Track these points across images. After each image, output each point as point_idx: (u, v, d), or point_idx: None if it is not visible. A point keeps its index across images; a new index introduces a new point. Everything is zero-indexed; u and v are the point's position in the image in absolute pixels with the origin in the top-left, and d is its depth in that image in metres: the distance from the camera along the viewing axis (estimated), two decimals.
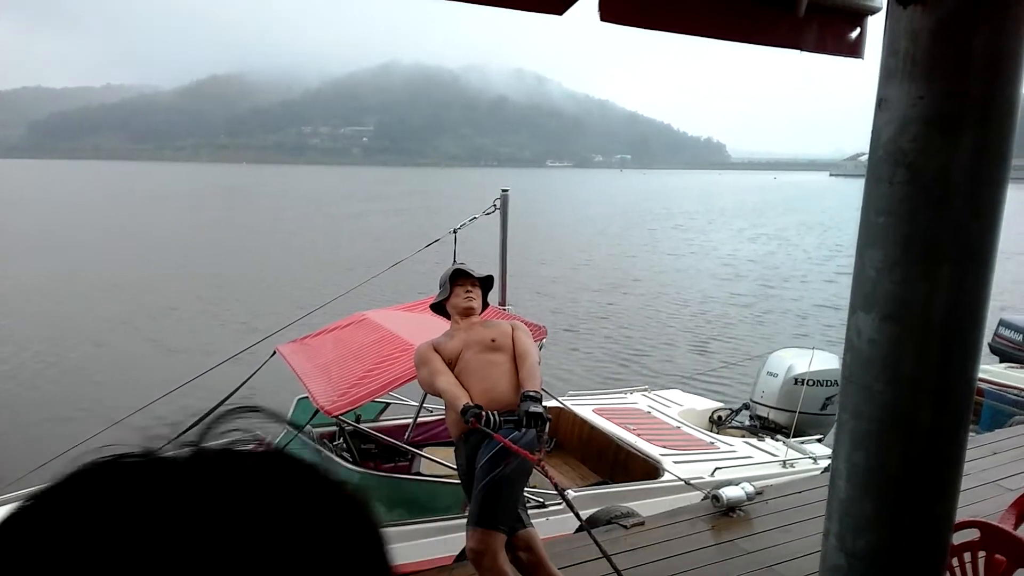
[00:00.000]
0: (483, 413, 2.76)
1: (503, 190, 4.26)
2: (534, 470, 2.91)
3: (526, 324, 3.75)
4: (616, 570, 2.51)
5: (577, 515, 2.74)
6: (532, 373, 2.98)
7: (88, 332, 12.28)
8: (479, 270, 3.30)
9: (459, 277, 3.21)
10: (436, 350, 3.11)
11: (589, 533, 2.58)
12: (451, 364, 3.03)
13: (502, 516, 2.74)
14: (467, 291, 3.17)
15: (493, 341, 3.04)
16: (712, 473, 4.78)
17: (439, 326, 4.77)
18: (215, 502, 0.31)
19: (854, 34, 1.81)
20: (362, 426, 4.67)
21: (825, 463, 5.22)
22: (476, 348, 3.05)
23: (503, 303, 4.99)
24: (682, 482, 4.56)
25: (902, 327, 1.26)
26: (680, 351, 11.90)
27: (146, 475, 0.33)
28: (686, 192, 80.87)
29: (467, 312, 3.16)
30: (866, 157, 1.34)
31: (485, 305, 3.31)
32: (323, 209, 43.60)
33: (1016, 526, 2.29)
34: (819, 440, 6.01)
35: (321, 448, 4.22)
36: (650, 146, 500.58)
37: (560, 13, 1.55)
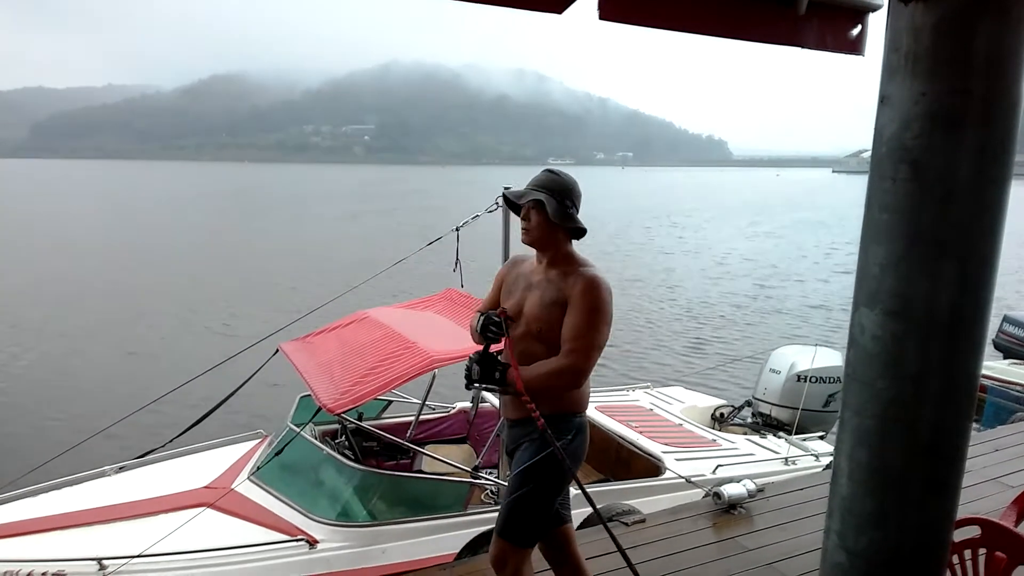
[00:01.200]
0: (501, 319, 2.32)
1: (505, 188, 4.24)
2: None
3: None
4: (630, 565, 2.49)
5: (594, 506, 2.51)
6: (570, 359, 2.29)
7: (86, 333, 12.29)
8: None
9: (514, 206, 2.51)
10: (503, 279, 2.54)
11: (605, 527, 2.49)
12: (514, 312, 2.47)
13: (530, 534, 2.41)
14: (523, 221, 2.45)
15: (539, 332, 2.35)
16: (714, 470, 4.78)
17: (441, 326, 4.78)
18: None
19: (855, 31, 1.81)
20: (364, 424, 4.68)
21: (827, 460, 5.22)
22: (523, 321, 2.40)
23: None
24: (683, 479, 4.56)
25: (905, 324, 1.25)
26: (680, 349, 11.89)
27: None
28: (687, 190, 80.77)
29: (533, 247, 2.46)
30: (868, 154, 1.34)
31: (579, 233, 2.44)
32: (324, 208, 43.59)
33: (1017, 523, 2.29)
34: (821, 437, 6.02)
35: (323, 446, 4.22)
36: (651, 144, 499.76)
37: (560, 12, 1.55)
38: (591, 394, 2.54)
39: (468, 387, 2.45)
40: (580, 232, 2.45)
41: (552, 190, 2.39)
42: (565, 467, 2.37)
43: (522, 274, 2.49)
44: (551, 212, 2.35)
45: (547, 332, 2.34)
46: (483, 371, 2.36)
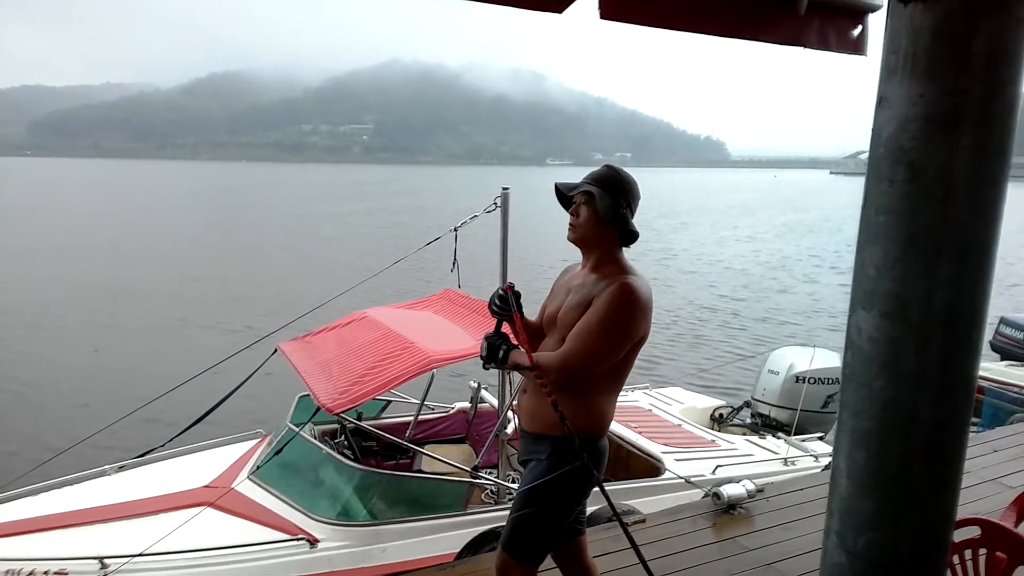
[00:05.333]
0: (507, 293, 2.24)
1: (504, 188, 4.25)
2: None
3: None
4: (644, 564, 2.47)
5: (612, 506, 2.42)
6: (559, 353, 2.16)
7: (82, 334, 12.28)
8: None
9: (563, 198, 2.35)
10: (553, 287, 2.41)
11: (622, 525, 2.43)
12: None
13: (534, 552, 2.30)
14: (570, 217, 2.30)
15: (563, 339, 2.21)
16: (713, 471, 4.79)
17: (440, 325, 4.79)
18: None
19: (856, 31, 1.81)
20: (363, 424, 4.68)
21: (826, 461, 5.23)
22: (556, 328, 2.28)
23: None
24: (683, 480, 4.57)
25: (902, 325, 1.26)
26: (680, 349, 11.91)
27: None
28: (683, 191, 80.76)
29: (577, 246, 2.32)
30: (866, 155, 1.34)
31: (630, 237, 2.28)
32: (322, 208, 43.57)
33: (1017, 524, 2.29)
34: (820, 438, 6.02)
35: (322, 446, 4.22)
36: (650, 144, 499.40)
37: (560, 11, 1.56)
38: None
39: (484, 367, 2.37)
40: (631, 236, 2.27)
41: (607, 185, 2.23)
42: (573, 490, 2.29)
43: (566, 281, 2.36)
44: (602, 209, 2.20)
45: (559, 330, 2.23)
46: (489, 349, 2.26)
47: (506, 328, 2.34)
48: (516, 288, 2.33)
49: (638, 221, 2.30)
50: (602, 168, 2.33)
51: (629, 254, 2.33)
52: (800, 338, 12.49)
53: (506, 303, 2.28)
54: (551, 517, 2.28)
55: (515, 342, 2.33)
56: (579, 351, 2.13)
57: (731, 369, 10.20)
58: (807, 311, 15.45)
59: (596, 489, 2.37)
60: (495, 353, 2.25)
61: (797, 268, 22.07)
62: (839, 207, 52.18)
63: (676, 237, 30.08)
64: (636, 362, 2.31)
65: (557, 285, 2.40)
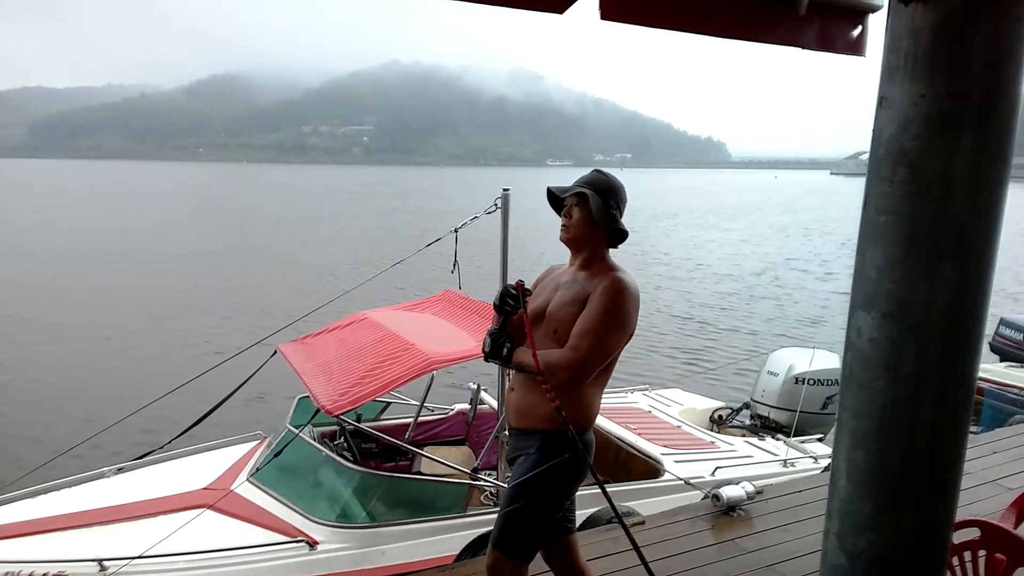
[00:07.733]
0: (517, 291, 2.30)
1: (504, 189, 4.24)
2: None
3: None
4: (645, 564, 2.46)
5: (613, 507, 2.42)
6: (568, 354, 2.20)
7: (80, 335, 12.28)
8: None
9: (554, 201, 2.45)
10: (537, 284, 2.50)
11: (623, 525, 2.45)
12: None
13: (524, 548, 2.32)
14: (563, 219, 2.39)
15: (555, 332, 2.28)
16: (712, 472, 4.78)
17: (440, 327, 4.78)
18: None
19: (855, 32, 1.81)
20: (363, 425, 4.67)
21: (826, 462, 5.22)
22: (544, 322, 2.33)
23: None
24: (682, 481, 4.56)
25: (902, 326, 1.26)
26: (679, 350, 11.90)
27: None
28: (683, 192, 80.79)
29: (568, 247, 2.41)
30: (867, 156, 1.34)
31: (619, 237, 2.39)
32: (322, 209, 43.58)
33: (1016, 525, 2.29)
34: (820, 439, 6.02)
35: (322, 447, 4.21)
36: (650, 145, 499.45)
37: (560, 12, 1.55)
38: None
39: (486, 360, 2.44)
40: (620, 236, 2.39)
41: (598, 188, 2.34)
42: (562, 484, 2.31)
43: (554, 277, 2.45)
44: (594, 209, 2.30)
45: (563, 332, 2.25)
46: (493, 345, 2.33)
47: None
48: (526, 286, 2.39)
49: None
50: (591, 172, 2.45)
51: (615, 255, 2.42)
52: (776, 344, 12.19)
53: (517, 301, 2.34)
54: (540, 511, 2.31)
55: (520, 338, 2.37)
56: (589, 348, 2.20)
57: (702, 379, 10.11)
58: (779, 317, 15.19)
59: (595, 493, 2.37)
60: (499, 350, 2.32)
61: (782, 273, 21.61)
62: (835, 208, 52.10)
63: (666, 240, 30.01)
64: (632, 364, 2.32)
65: (543, 283, 2.49)
